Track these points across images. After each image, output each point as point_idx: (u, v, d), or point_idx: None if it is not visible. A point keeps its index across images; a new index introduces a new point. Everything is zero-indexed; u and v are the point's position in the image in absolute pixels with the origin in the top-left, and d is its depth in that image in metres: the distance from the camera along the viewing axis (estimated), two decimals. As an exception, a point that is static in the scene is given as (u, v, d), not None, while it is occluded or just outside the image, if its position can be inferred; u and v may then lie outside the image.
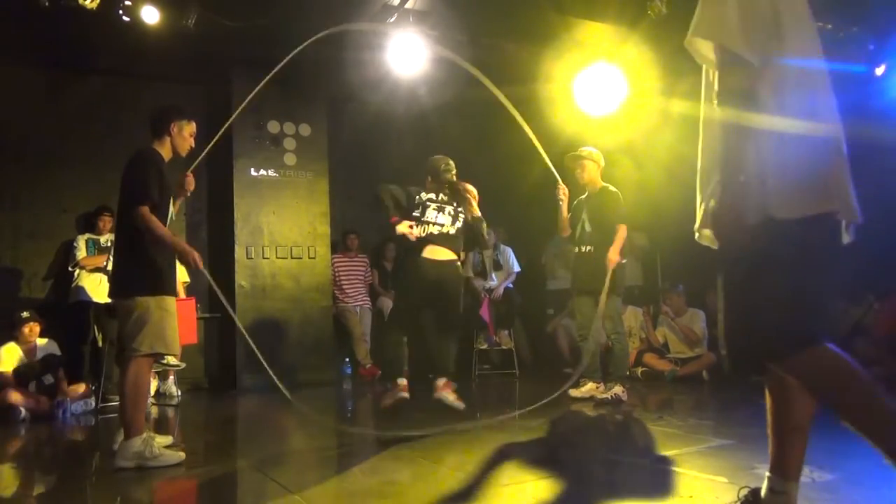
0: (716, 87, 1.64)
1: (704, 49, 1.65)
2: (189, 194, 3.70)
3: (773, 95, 1.56)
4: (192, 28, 5.45)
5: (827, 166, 1.58)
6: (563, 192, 4.81)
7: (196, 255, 3.30)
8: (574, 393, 4.74)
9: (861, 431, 1.54)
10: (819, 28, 6.36)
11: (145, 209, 3.17)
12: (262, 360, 3.40)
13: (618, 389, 4.66)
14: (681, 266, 6.72)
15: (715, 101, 1.64)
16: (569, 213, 4.95)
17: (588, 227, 4.86)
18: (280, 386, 3.43)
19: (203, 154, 3.73)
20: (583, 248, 4.88)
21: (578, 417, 4.39)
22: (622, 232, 4.69)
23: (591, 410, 4.49)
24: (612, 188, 4.86)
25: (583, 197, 5.00)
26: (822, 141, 1.58)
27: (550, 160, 4.57)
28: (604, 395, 4.66)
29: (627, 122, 6.10)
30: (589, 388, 4.75)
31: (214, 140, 3.89)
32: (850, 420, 1.55)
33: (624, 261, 4.79)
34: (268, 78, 3.89)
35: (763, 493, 1.81)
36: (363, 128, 7.45)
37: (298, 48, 3.79)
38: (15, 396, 4.83)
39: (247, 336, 3.67)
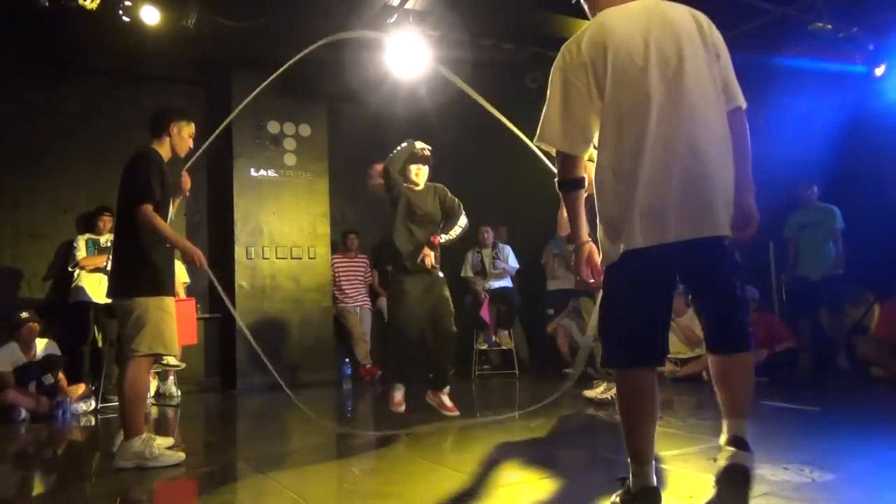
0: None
1: (548, 147, 2.21)
2: (188, 194, 3.72)
3: (596, 172, 2.16)
4: (192, 28, 5.45)
5: (603, 223, 2.19)
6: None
7: (200, 254, 3.31)
8: (588, 394, 4.73)
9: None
10: (819, 28, 6.31)
11: (148, 208, 3.18)
12: (263, 358, 3.41)
13: (618, 390, 4.64)
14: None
15: (556, 182, 2.21)
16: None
17: (588, 227, 4.82)
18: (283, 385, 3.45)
19: (198, 153, 3.72)
20: None
21: (578, 417, 4.39)
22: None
23: (591, 410, 4.49)
24: None
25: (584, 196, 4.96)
26: (613, 198, 2.12)
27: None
28: (604, 395, 4.66)
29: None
30: (603, 388, 4.73)
31: (210, 139, 3.89)
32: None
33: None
34: (268, 81, 3.87)
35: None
36: (363, 128, 7.44)
37: (301, 53, 3.75)
38: (15, 396, 4.84)
39: (247, 333, 3.68)
